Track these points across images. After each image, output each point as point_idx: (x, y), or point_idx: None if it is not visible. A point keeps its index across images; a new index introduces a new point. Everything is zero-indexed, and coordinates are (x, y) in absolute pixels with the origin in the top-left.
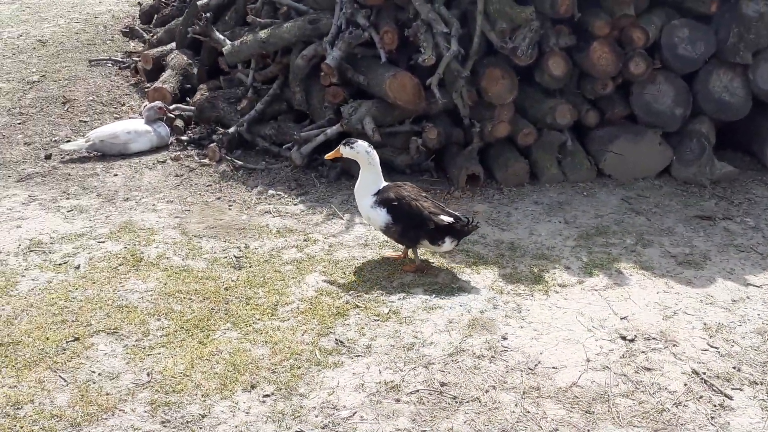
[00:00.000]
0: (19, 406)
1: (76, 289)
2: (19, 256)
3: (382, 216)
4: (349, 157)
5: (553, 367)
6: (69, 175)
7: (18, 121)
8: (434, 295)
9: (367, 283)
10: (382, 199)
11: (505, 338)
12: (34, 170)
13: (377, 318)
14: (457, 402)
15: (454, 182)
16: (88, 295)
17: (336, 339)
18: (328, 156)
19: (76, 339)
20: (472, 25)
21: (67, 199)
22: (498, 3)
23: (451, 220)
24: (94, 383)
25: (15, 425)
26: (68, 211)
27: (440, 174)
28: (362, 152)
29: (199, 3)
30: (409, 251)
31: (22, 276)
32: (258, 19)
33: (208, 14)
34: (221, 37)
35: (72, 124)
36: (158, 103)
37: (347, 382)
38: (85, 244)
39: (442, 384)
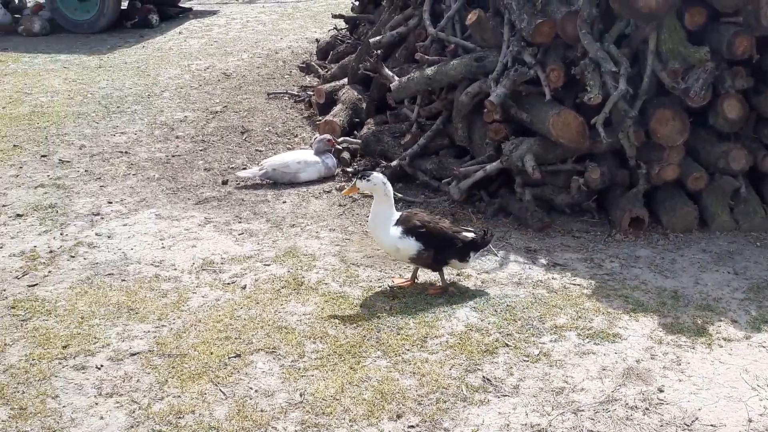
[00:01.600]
0: (181, 416)
1: (241, 308)
2: (192, 274)
3: (412, 244)
4: (365, 191)
5: (712, 425)
6: (242, 200)
7: (200, 148)
8: (588, 340)
9: (518, 322)
10: (407, 228)
11: (661, 390)
12: (212, 194)
13: (527, 358)
14: None
15: (616, 224)
16: (251, 315)
17: (483, 376)
18: (345, 192)
19: (238, 356)
20: (642, 64)
21: (239, 222)
22: (671, 42)
23: (473, 235)
24: (251, 399)
25: None
26: (239, 234)
27: (601, 215)
28: (379, 184)
29: (371, 41)
30: (415, 273)
31: (194, 293)
32: (426, 57)
33: (379, 51)
34: (390, 73)
35: (248, 152)
36: (327, 136)
37: (492, 421)
38: (252, 266)
39: None
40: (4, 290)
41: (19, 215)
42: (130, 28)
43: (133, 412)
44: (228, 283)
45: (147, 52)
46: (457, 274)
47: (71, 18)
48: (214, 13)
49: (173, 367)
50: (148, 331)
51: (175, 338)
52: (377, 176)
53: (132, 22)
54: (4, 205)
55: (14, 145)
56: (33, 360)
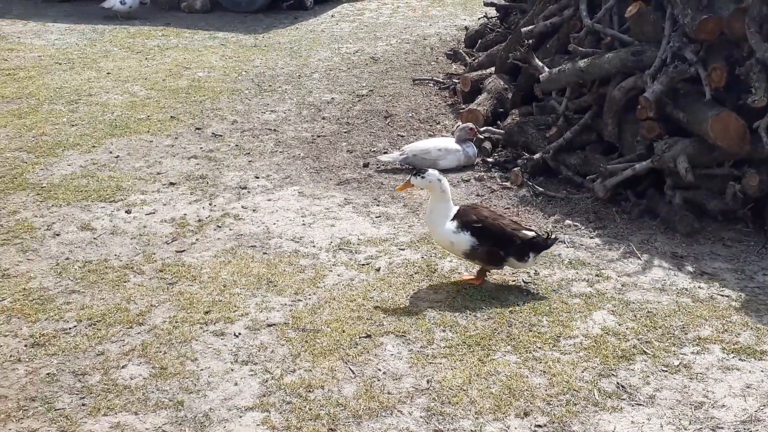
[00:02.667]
0: (311, 390)
1: (374, 290)
2: (329, 253)
3: (466, 239)
4: (420, 187)
5: None
6: (381, 183)
7: (344, 130)
8: (733, 355)
9: (658, 330)
10: (463, 223)
11: None
12: (353, 176)
13: (665, 368)
14: None
15: None
16: (383, 297)
17: (618, 382)
18: (400, 188)
19: (368, 336)
20: None
21: (377, 205)
22: None
23: (533, 234)
24: (379, 380)
25: (305, 406)
26: (376, 217)
27: (756, 225)
28: (434, 181)
29: (523, 30)
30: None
31: (330, 271)
32: (580, 48)
33: (530, 41)
34: (540, 63)
35: (391, 137)
36: (469, 125)
37: (624, 430)
38: (387, 249)
39: None
40: (154, 254)
41: (172, 183)
42: (286, 10)
43: (266, 381)
44: (363, 264)
45: (300, 33)
46: (534, 274)
47: None
48: None
49: (306, 342)
50: (285, 304)
51: (309, 313)
52: (432, 172)
53: (287, 4)
54: (158, 173)
55: (171, 117)
56: (176, 323)
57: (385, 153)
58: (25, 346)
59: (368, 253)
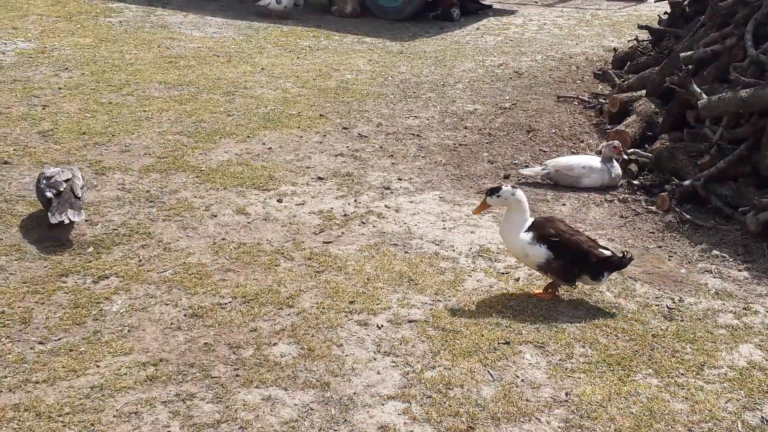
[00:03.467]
0: (450, 387)
1: (513, 299)
2: (468, 258)
3: (542, 252)
4: (498, 206)
5: None
6: None
7: (486, 141)
8: None
9: None
10: (539, 235)
11: None
12: (493, 186)
13: None
14: None
15: None
16: (522, 307)
17: (762, 417)
18: (476, 211)
19: (507, 343)
20: None
21: None
22: None
23: (609, 253)
24: (517, 387)
25: (444, 402)
26: None
27: None
28: (509, 197)
29: (681, 54)
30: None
31: (469, 276)
32: (742, 78)
33: (689, 66)
34: (698, 90)
35: (533, 151)
36: (615, 143)
37: None
38: None
39: None
40: (303, 242)
41: (320, 178)
42: (432, 20)
43: (407, 374)
44: (502, 273)
45: (445, 43)
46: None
47: (380, 4)
48: (512, 12)
49: (446, 341)
50: (426, 303)
51: (449, 314)
52: (506, 189)
53: (435, 14)
54: (308, 167)
55: (320, 115)
56: (323, 309)
57: (527, 167)
58: (185, 315)
59: (508, 263)
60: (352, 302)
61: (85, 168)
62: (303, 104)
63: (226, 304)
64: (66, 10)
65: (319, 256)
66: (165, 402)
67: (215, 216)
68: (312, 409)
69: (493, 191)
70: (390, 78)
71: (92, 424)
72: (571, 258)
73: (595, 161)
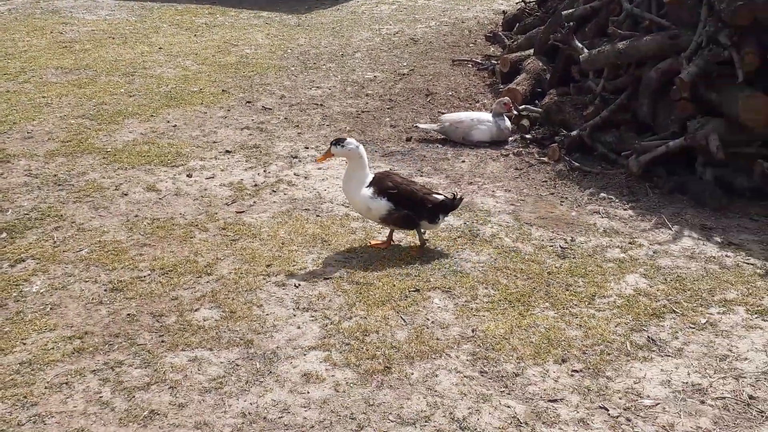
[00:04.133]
0: (367, 334)
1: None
2: None
3: (383, 204)
4: (340, 156)
5: None
6: (424, 156)
7: (387, 107)
8: (757, 316)
9: (687, 292)
10: (380, 189)
11: None
12: (396, 149)
13: (693, 326)
14: (763, 417)
15: None
16: (430, 257)
17: (648, 336)
18: (319, 159)
19: (417, 290)
20: None
21: (421, 176)
22: None
23: (442, 197)
24: (428, 328)
25: (362, 348)
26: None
27: None
28: (353, 149)
29: (563, 13)
30: (390, 234)
31: (379, 233)
32: (619, 31)
33: (570, 24)
34: (580, 45)
35: (431, 113)
36: (505, 99)
37: (654, 376)
38: None
39: (751, 397)
40: (216, 214)
41: (228, 151)
42: None
43: (326, 326)
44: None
45: (341, 14)
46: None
47: None
48: None
49: (360, 293)
50: (339, 261)
51: (362, 269)
52: (350, 140)
53: None
54: (214, 142)
55: (223, 90)
56: (241, 274)
57: (424, 123)
58: (105, 290)
59: None
60: (269, 266)
61: None
62: (204, 81)
63: (145, 276)
64: None
65: (233, 226)
66: (94, 371)
67: (126, 195)
68: (238, 365)
69: (338, 141)
70: (289, 51)
71: (25, 397)
72: (409, 207)
73: (485, 116)
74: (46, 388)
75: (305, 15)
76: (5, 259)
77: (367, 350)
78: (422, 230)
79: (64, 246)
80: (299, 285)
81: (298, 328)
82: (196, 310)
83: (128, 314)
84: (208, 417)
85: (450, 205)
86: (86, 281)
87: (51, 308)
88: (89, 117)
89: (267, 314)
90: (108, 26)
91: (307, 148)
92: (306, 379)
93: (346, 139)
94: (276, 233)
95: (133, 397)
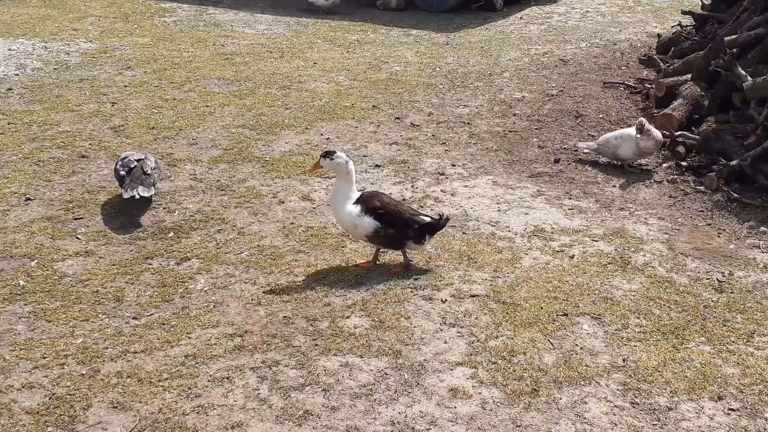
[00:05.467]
0: (513, 355)
1: (569, 275)
2: (524, 238)
3: (370, 222)
4: (328, 169)
5: None
6: (573, 179)
7: (535, 127)
8: None
9: None
10: (367, 207)
11: None
12: (543, 170)
13: None
14: None
15: None
16: (578, 282)
17: None
18: (309, 169)
19: (565, 315)
20: None
21: (569, 198)
22: None
23: (429, 219)
24: (576, 354)
25: (509, 368)
26: (569, 209)
27: None
28: (342, 163)
29: (726, 39)
30: (375, 253)
31: (525, 254)
32: None
33: (733, 50)
34: (743, 72)
35: (581, 136)
36: (642, 119)
37: None
38: (580, 240)
39: None
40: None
41: (377, 165)
42: (475, 11)
43: (472, 343)
44: (557, 251)
45: (489, 33)
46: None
47: None
48: (554, 1)
49: (507, 313)
50: (485, 279)
51: (509, 289)
52: (340, 154)
53: (477, 5)
54: (365, 156)
55: (373, 106)
56: (390, 285)
57: (575, 150)
58: (263, 292)
59: (562, 242)
60: (416, 279)
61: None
62: (356, 96)
63: (300, 281)
64: (122, 11)
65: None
66: (253, 368)
67: (282, 202)
68: (387, 374)
69: (328, 154)
70: (438, 69)
71: (189, 388)
72: (396, 227)
73: (629, 132)
74: (208, 381)
75: (453, 34)
76: (172, 257)
77: (514, 371)
78: (408, 251)
79: (225, 248)
80: (446, 300)
81: (445, 342)
82: (347, 317)
83: (284, 316)
84: (359, 422)
85: (436, 226)
86: (246, 282)
87: (214, 306)
88: (249, 127)
89: (414, 326)
90: (266, 40)
91: (454, 165)
92: (453, 393)
93: (336, 152)
94: (424, 248)
95: (289, 396)
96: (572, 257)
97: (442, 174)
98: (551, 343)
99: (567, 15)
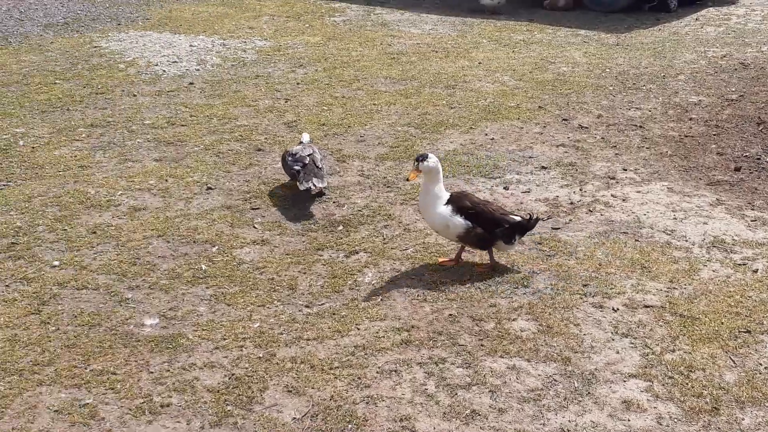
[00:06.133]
0: (692, 370)
1: (752, 290)
2: (702, 248)
3: (461, 222)
4: (422, 171)
5: None
6: (756, 189)
7: (713, 133)
8: None
9: None
10: (458, 207)
11: None
12: (723, 178)
13: None
14: None
15: None
16: (762, 298)
17: None
18: (411, 177)
19: (748, 332)
20: None
21: (752, 209)
22: None
23: (519, 218)
24: (760, 374)
25: (687, 383)
26: (752, 221)
27: None
28: (435, 166)
29: None
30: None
31: (704, 266)
32: None
33: None
34: None
35: (764, 144)
36: None
37: None
38: (764, 253)
39: None
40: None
41: (543, 167)
42: (647, 11)
43: (647, 355)
44: (739, 264)
45: (662, 35)
46: None
47: None
48: (733, 2)
49: (684, 327)
50: (661, 290)
51: (686, 301)
52: (433, 157)
53: (650, 5)
54: (530, 157)
55: (539, 107)
56: (557, 290)
57: (758, 159)
58: (429, 289)
59: (744, 255)
60: (585, 285)
61: (328, 156)
62: (521, 96)
63: (465, 281)
64: (294, 11)
65: (548, 241)
66: (420, 363)
67: None
68: (555, 380)
69: (423, 157)
70: (607, 70)
71: (359, 378)
72: (486, 226)
73: None
74: (377, 372)
75: (624, 35)
76: (341, 250)
77: (693, 387)
78: (497, 250)
79: (392, 243)
80: (617, 309)
81: (617, 353)
82: (513, 320)
83: (450, 314)
84: (527, 426)
85: (526, 226)
86: (412, 278)
87: (381, 299)
88: (414, 125)
89: (584, 334)
90: (431, 40)
91: (626, 170)
92: (626, 406)
93: (428, 155)
94: (593, 254)
95: (456, 394)
96: (755, 271)
97: (613, 178)
98: (733, 361)
99: (746, 17)
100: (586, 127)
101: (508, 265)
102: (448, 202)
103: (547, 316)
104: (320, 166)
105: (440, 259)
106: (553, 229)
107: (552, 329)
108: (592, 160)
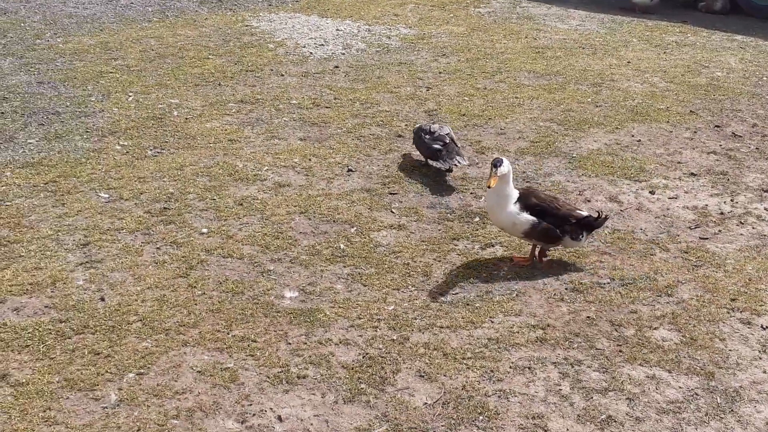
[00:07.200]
0: None
1: None
2: None
3: (527, 219)
4: (501, 176)
5: None
6: None
7: None
8: None
9: None
10: (525, 205)
11: None
12: None
13: None
14: None
15: None
16: None
17: None
18: (494, 182)
19: None
20: None
21: None
22: None
23: (585, 213)
24: None
25: None
26: None
27: None
28: (509, 170)
29: None
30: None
31: None
32: None
33: None
34: None
35: None
36: None
37: None
38: None
39: None
40: (678, 236)
41: (692, 174)
42: None
43: None
44: None
45: None
46: None
47: (753, 1)
48: None
49: None
50: None
51: None
52: (506, 161)
53: None
54: (679, 162)
55: (690, 111)
56: (703, 302)
57: None
58: (566, 289)
59: None
60: (733, 299)
61: (467, 147)
62: (671, 99)
63: (604, 284)
64: (439, 0)
65: (695, 251)
66: (554, 363)
67: (588, 201)
68: (697, 395)
69: (499, 162)
70: (765, 78)
71: (491, 371)
72: (552, 222)
73: None
74: (510, 367)
75: None
76: (477, 241)
77: None
78: (564, 247)
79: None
80: (767, 327)
81: (764, 372)
82: (655, 329)
83: (587, 317)
84: None
85: (594, 223)
86: (549, 276)
87: (516, 295)
88: (557, 122)
89: (730, 350)
90: (578, 36)
91: None
92: None
93: (503, 159)
94: (743, 267)
95: (591, 398)
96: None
97: (766, 191)
98: None
99: None
100: (740, 136)
101: (551, 268)
102: (517, 200)
103: (692, 327)
104: (458, 144)
105: (514, 256)
106: (701, 239)
107: (696, 341)
108: (745, 171)
